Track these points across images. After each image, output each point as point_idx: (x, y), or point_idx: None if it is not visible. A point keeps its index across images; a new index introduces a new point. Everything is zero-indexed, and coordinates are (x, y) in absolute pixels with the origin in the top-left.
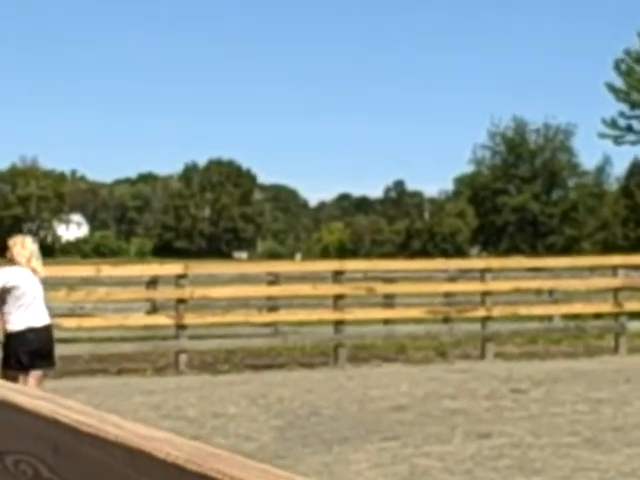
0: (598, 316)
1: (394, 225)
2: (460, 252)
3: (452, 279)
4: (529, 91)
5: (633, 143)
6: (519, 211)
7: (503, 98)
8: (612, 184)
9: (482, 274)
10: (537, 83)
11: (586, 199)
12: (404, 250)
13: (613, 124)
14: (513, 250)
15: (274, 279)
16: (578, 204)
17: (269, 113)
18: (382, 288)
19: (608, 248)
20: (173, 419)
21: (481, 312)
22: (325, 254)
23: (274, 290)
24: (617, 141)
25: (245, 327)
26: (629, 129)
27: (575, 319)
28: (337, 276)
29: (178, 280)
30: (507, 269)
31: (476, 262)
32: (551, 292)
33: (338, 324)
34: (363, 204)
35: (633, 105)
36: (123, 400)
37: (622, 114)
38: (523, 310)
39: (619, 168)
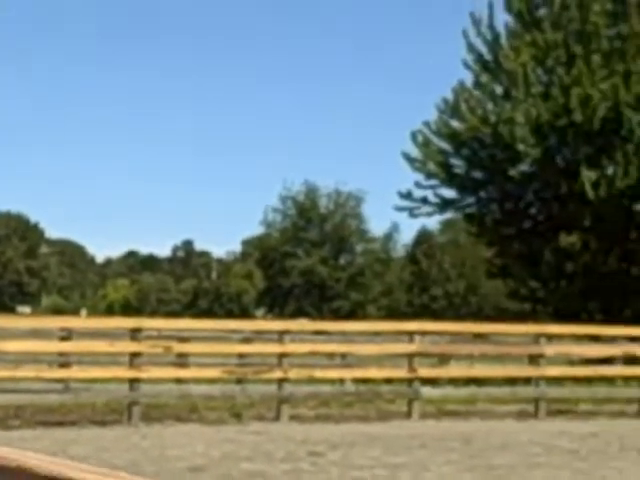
0: (388, 381)
1: (181, 284)
2: (246, 313)
3: (247, 340)
4: (322, 156)
5: (429, 214)
6: (307, 274)
7: (296, 163)
8: (399, 251)
9: (280, 336)
10: (330, 149)
11: (373, 264)
12: (190, 309)
13: (408, 196)
14: (299, 313)
15: (67, 335)
16: (365, 269)
17: (59, 167)
18: (178, 347)
19: (392, 313)
20: None
21: (277, 374)
22: (110, 311)
23: (67, 346)
24: (412, 213)
25: (36, 383)
26: (424, 201)
27: (365, 383)
28: (134, 333)
29: None
30: (302, 332)
31: (274, 324)
32: (343, 356)
33: (133, 382)
34: (150, 262)
35: (429, 175)
36: None
37: (417, 184)
38: (319, 373)
39: (407, 235)
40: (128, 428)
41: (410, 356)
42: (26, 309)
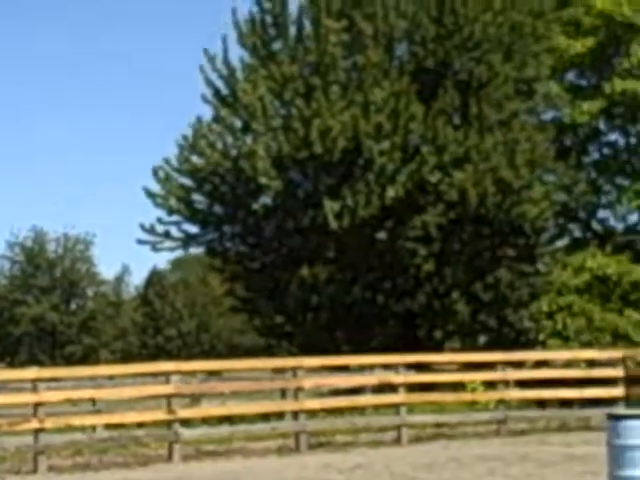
0: (140, 424)
1: None
2: None
3: None
4: (49, 201)
5: (171, 249)
6: (37, 321)
7: (24, 209)
8: (131, 293)
9: (34, 384)
10: (57, 192)
11: (105, 308)
12: None
13: (151, 230)
14: (31, 361)
15: None
16: (97, 313)
17: None
18: None
19: (126, 357)
20: None
21: (34, 424)
22: None
23: None
24: (155, 247)
25: None
26: (167, 235)
27: (117, 428)
28: None
29: None
30: (58, 379)
31: (27, 372)
32: (93, 401)
33: None
34: None
35: (171, 211)
36: None
37: (160, 220)
38: (76, 420)
39: (138, 277)
40: None
41: (168, 397)
42: None
